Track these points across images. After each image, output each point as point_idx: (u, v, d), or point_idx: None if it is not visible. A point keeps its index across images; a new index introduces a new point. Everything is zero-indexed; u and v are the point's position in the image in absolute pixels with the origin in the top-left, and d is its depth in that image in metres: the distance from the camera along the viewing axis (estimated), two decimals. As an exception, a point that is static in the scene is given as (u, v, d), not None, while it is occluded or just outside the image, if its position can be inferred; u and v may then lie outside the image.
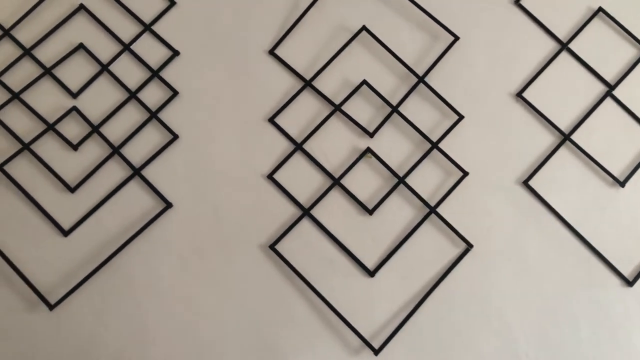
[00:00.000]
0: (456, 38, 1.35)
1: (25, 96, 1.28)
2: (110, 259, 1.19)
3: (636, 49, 1.38)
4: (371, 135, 1.29)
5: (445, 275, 1.22)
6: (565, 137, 1.30)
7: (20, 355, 1.16)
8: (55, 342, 1.16)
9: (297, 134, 1.30)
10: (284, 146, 1.29)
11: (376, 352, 1.17)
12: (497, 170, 1.29)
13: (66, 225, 1.22)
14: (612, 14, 1.38)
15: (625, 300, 1.24)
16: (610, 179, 1.30)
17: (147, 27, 1.33)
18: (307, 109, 1.31)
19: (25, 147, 1.24)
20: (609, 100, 1.34)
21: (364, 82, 1.31)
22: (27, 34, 1.32)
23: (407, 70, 1.33)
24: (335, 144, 1.30)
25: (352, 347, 1.19)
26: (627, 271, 1.25)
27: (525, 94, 1.34)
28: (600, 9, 1.39)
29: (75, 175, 1.25)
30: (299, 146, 1.28)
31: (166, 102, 1.29)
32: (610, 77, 1.36)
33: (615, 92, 1.35)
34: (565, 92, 1.35)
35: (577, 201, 1.28)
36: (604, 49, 1.38)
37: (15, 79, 1.29)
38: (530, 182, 1.28)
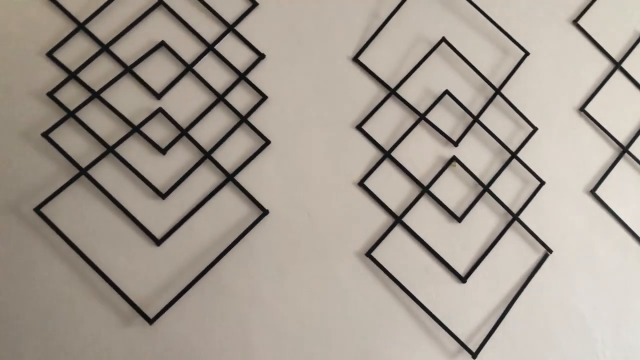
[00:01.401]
0: (527, 53, 1.42)
1: (105, 95, 1.20)
2: (209, 268, 1.14)
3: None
4: (455, 144, 1.33)
5: (529, 280, 1.29)
6: (624, 150, 1.41)
7: (116, 373, 1.09)
8: (157, 357, 1.10)
9: (384, 141, 1.31)
10: (373, 153, 1.30)
11: (474, 355, 1.21)
12: (568, 180, 1.38)
13: (158, 234, 1.16)
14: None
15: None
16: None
17: (231, 28, 1.29)
18: (392, 116, 1.33)
19: (110, 149, 1.16)
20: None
21: (446, 92, 1.35)
22: (103, 29, 1.24)
23: (483, 82, 1.38)
24: (421, 152, 1.32)
25: (450, 351, 1.22)
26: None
27: (587, 109, 1.43)
28: (645, 32, 1.52)
29: (165, 180, 1.18)
30: (387, 154, 1.29)
31: (256, 106, 1.25)
32: (655, 95, 1.49)
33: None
34: (621, 107, 1.46)
35: (638, 209, 1.39)
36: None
37: (94, 76, 1.20)
38: (597, 192, 1.38)
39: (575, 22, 1.49)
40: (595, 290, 1.32)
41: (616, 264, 1.35)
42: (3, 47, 1.19)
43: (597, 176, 1.39)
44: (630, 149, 1.43)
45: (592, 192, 1.38)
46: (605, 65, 1.48)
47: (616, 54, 1.50)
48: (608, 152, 1.42)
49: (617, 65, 1.48)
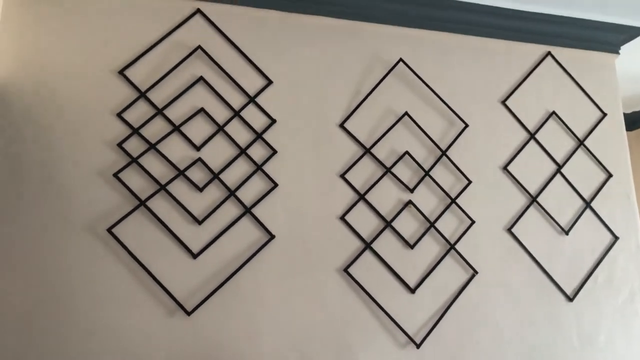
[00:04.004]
0: (466, 125, 1.92)
1: (159, 146, 1.63)
2: (231, 277, 1.58)
3: (573, 141, 2.06)
4: (411, 191, 1.81)
5: (461, 292, 1.77)
6: (534, 199, 1.93)
7: (163, 350, 1.51)
8: (191, 342, 1.53)
9: (360, 186, 1.78)
10: (351, 195, 1.77)
11: (418, 345, 1.69)
12: (492, 220, 1.88)
13: (195, 250, 1.59)
14: (562, 118, 2.05)
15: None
16: None
17: (252, 99, 1.74)
18: (366, 169, 1.81)
19: (162, 187, 1.59)
20: (559, 175, 2.00)
21: (407, 152, 1.84)
22: (158, 96, 1.67)
23: (433, 145, 1.88)
24: (386, 196, 1.80)
25: (401, 343, 1.69)
26: None
27: (509, 168, 1.94)
28: (553, 112, 2.05)
29: (201, 210, 1.62)
30: (362, 196, 1.77)
31: (268, 158, 1.71)
32: (558, 158, 2.01)
33: (563, 170, 2.00)
34: (533, 167, 1.97)
35: (541, 243, 1.91)
36: (557, 139, 2.03)
37: (151, 132, 1.64)
38: (513, 230, 1.89)
39: (503, 102, 2.01)
40: (507, 303, 1.82)
41: (523, 284, 1.85)
42: (83, 106, 1.61)
43: (513, 218, 1.90)
44: (538, 199, 1.95)
45: (509, 230, 1.89)
46: (524, 135, 2.01)
47: (531, 127, 2.02)
48: (522, 200, 1.94)
49: (532, 135, 2.01)
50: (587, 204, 2.00)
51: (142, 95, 1.65)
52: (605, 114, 2.12)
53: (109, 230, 1.53)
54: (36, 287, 1.47)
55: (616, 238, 1.99)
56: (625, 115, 3.11)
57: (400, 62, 1.91)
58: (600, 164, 2.05)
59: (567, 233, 1.95)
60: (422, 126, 1.87)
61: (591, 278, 1.93)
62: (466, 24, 2.02)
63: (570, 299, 1.89)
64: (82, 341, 1.47)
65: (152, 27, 1.72)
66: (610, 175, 2.05)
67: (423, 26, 1.97)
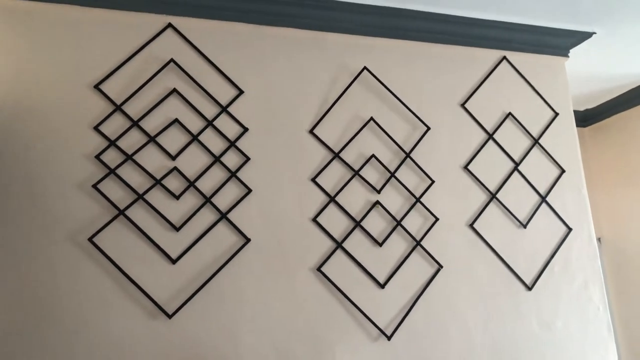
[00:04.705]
0: (428, 128, 2.04)
1: (136, 157, 1.69)
2: (210, 280, 1.66)
3: (529, 139, 2.20)
4: (378, 192, 1.92)
5: (427, 286, 1.89)
6: (493, 196, 2.06)
7: (146, 352, 1.57)
8: (173, 343, 1.60)
9: (330, 189, 1.88)
10: (322, 198, 1.86)
11: (389, 337, 1.79)
12: (454, 217, 2.00)
13: (174, 255, 1.66)
14: (518, 118, 2.18)
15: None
16: None
17: (224, 109, 1.82)
18: (336, 172, 1.90)
19: (140, 196, 1.66)
20: (516, 173, 2.13)
21: (373, 155, 1.94)
22: (133, 108, 1.73)
23: (397, 148, 1.99)
24: (355, 198, 1.90)
25: (372, 335, 1.80)
26: None
27: (469, 167, 2.07)
28: (510, 114, 2.18)
29: (178, 217, 1.70)
30: (332, 198, 1.87)
31: (242, 165, 1.79)
32: (515, 156, 2.15)
33: (520, 167, 2.14)
34: (492, 165, 2.10)
35: (501, 237, 2.04)
36: (514, 139, 2.17)
37: (128, 143, 1.70)
38: (475, 225, 2.01)
39: (462, 105, 2.14)
40: (471, 294, 1.95)
41: (486, 276, 1.98)
42: (60, 121, 1.66)
43: (474, 214, 2.03)
44: (498, 196, 2.08)
45: (471, 226, 2.01)
46: (482, 136, 2.13)
47: (490, 128, 2.15)
48: (482, 197, 2.06)
49: (490, 136, 2.14)
50: (543, 199, 2.14)
51: (118, 108, 1.72)
52: (557, 114, 2.26)
53: (90, 239, 1.59)
54: (22, 295, 1.52)
55: (570, 229, 2.14)
56: (579, 112, 3.33)
57: (365, 70, 2.01)
58: (554, 160, 2.20)
59: (525, 227, 2.08)
60: (387, 130, 1.98)
61: (548, 268, 2.07)
62: (427, 32, 2.14)
63: (529, 288, 2.02)
64: (67, 344, 1.53)
65: (126, 41, 1.78)
66: (563, 171, 2.20)
67: (386, 35, 2.08)
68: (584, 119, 3.38)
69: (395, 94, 2.03)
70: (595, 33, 2.31)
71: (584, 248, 2.16)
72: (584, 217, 2.19)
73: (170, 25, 1.83)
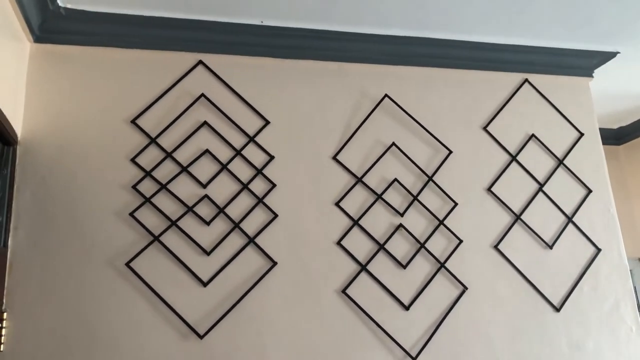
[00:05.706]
0: (450, 151, 2.09)
1: (170, 186, 1.81)
2: (239, 302, 1.74)
3: (553, 161, 2.20)
4: (402, 215, 1.97)
5: (452, 308, 1.91)
6: (517, 217, 2.07)
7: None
8: (206, 361, 1.68)
9: (354, 213, 1.94)
10: (346, 221, 1.93)
11: (414, 359, 1.82)
12: (479, 238, 2.02)
13: (205, 279, 1.75)
14: (542, 139, 2.20)
15: None
16: None
17: (252, 139, 1.93)
18: (359, 196, 1.97)
19: (173, 223, 1.77)
20: (541, 193, 2.14)
21: (395, 179, 2.00)
22: (167, 141, 1.86)
23: (420, 172, 2.04)
24: (378, 221, 1.96)
25: (398, 357, 1.83)
26: None
27: (492, 189, 2.09)
28: (533, 135, 2.20)
29: (209, 242, 1.79)
30: (356, 222, 1.93)
31: (268, 191, 1.88)
32: (540, 177, 2.16)
33: (545, 188, 2.15)
34: (516, 187, 2.12)
35: (526, 258, 2.04)
36: (536, 160, 2.18)
37: (162, 173, 1.82)
38: (499, 247, 2.03)
39: (484, 128, 2.17)
40: (496, 315, 1.95)
41: (511, 297, 1.99)
42: (100, 154, 1.80)
43: (499, 236, 2.05)
44: (522, 217, 2.09)
45: (495, 247, 2.03)
46: (505, 157, 2.16)
47: (513, 150, 2.18)
48: (506, 218, 2.08)
49: (514, 157, 2.16)
50: (569, 219, 2.14)
51: (153, 140, 1.84)
52: (582, 134, 2.27)
53: (127, 264, 1.70)
54: (66, 315, 1.64)
55: (599, 250, 2.12)
56: (612, 130, 3.30)
57: (386, 97, 2.08)
58: (580, 180, 2.20)
59: (551, 247, 2.08)
60: (409, 155, 2.04)
61: (577, 288, 2.06)
62: (446, 58, 2.20)
63: (557, 309, 2.01)
64: (106, 364, 1.64)
65: (160, 79, 1.92)
66: (590, 191, 2.19)
67: (406, 63, 2.16)
68: (618, 136, 3.34)
69: (417, 119, 2.09)
70: (619, 52, 2.32)
71: (614, 268, 2.13)
72: (613, 236, 2.17)
73: (200, 62, 1.96)
